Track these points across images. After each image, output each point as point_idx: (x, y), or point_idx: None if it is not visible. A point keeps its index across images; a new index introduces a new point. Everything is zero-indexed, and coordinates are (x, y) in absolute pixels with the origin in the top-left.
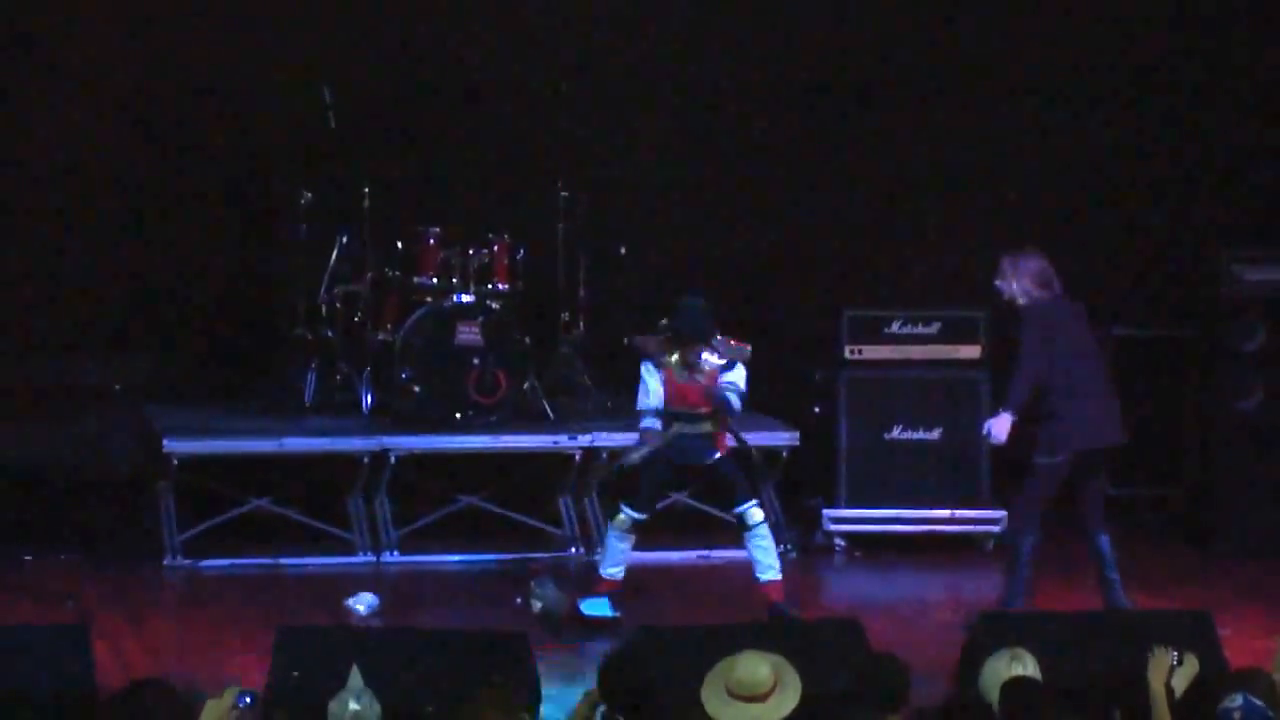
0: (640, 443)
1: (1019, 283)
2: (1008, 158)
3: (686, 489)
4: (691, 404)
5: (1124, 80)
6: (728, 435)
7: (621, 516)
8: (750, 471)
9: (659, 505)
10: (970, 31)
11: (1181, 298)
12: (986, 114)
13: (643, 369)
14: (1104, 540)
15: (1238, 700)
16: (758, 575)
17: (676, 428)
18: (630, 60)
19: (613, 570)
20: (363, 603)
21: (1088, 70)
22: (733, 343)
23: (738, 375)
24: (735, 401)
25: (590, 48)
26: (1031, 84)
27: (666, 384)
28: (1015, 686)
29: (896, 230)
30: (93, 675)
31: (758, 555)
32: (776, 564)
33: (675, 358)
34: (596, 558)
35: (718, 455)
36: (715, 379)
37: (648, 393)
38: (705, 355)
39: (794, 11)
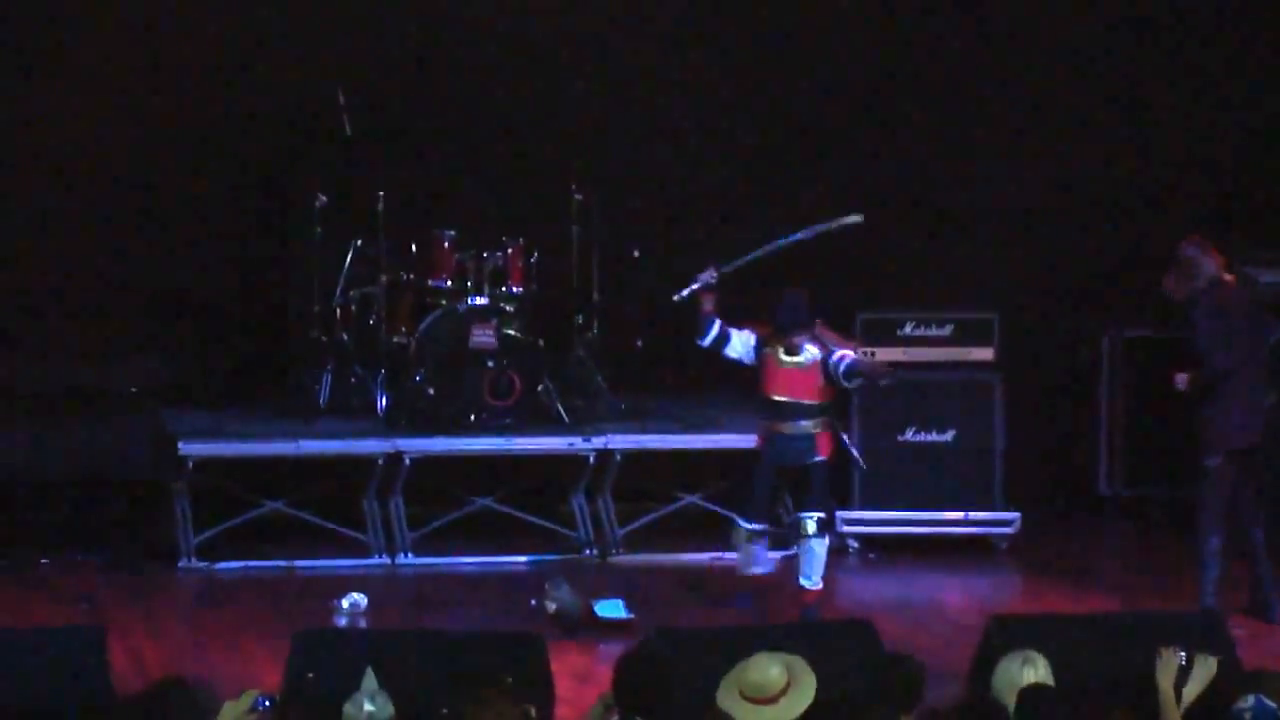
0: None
1: (1206, 266)
2: (1016, 159)
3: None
4: (798, 394)
5: (1130, 81)
6: (830, 436)
7: (740, 530)
8: (831, 479)
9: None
10: (977, 35)
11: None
12: (994, 115)
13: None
14: (1257, 534)
15: (1249, 701)
16: (799, 579)
17: (777, 426)
18: (644, 63)
19: (758, 569)
20: (347, 601)
21: (1094, 72)
22: (836, 337)
23: (848, 351)
24: (848, 363)
25: (604, 50)
26: (1038, 86)
27: (769, 371)
28: (1031, 694)
29: (909, 232)
30: (109, 677)
31: (802, 563)
32: (816, 575)
33: (779, 346)
34: (610, 558)
35: (819, 458)
36: (817, 369)
37: (739, 338)
38: (807, 345)
39: (809, 14)
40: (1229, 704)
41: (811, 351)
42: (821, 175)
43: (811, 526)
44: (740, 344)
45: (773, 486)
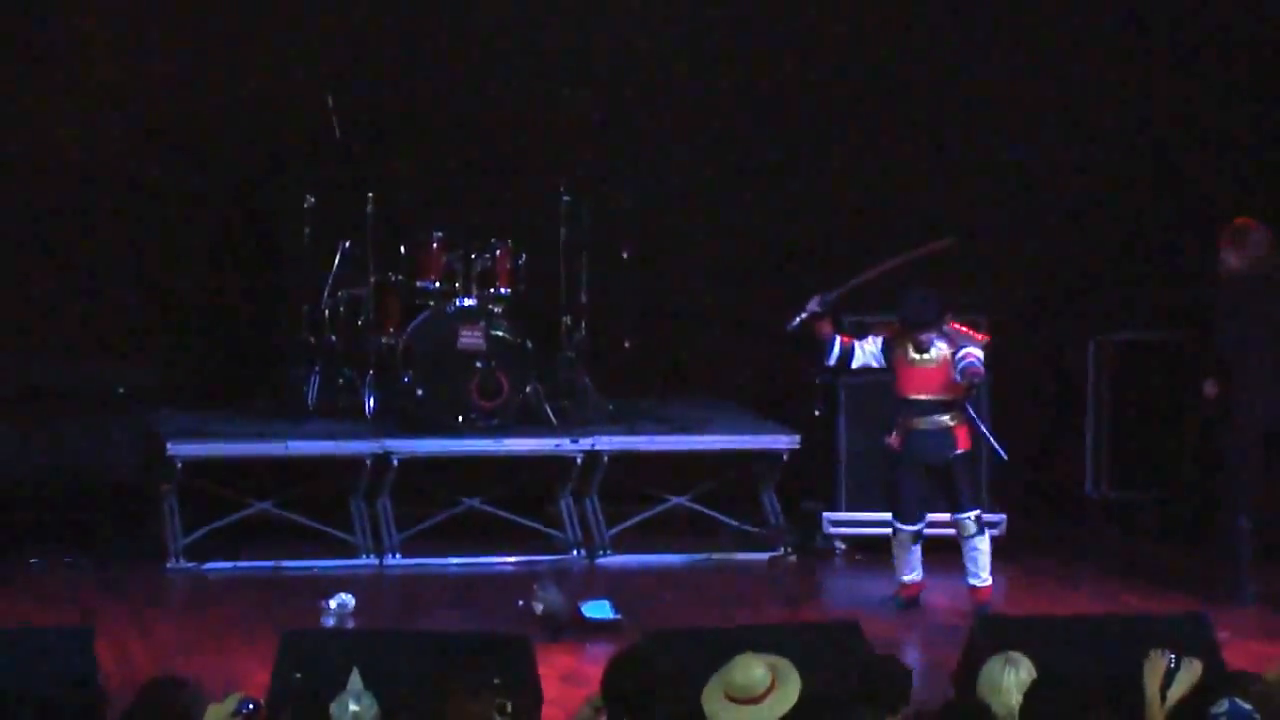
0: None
1: (1240, 251)
2: (1005, 161)
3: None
4: (930, 391)
5: (1124, 79)
6: (968, 428)
7: (898, 534)
8: (977, 471)
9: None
10: (968, 33)
11: (1184, 300)
12: (987, 114)
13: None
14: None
15: (1224, 705)
16: (967, 580)
17: (913, 423)
18: (633, 65)
19: (909, 576)
20: (334, 601)
21: (1088, 70)
22: (965, 330)
23: (973, 349)
24: (964, 365)
25: (593, 53)
26: (1032, 85)
27: (901, 370)
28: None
29: (898, 233)
30: (97, 678)
31: (968, 563)
32: (984, 572)
33: (908, 345)
34: (598, 559)
35: (959, 452)
36: (948, 365)
37: (863, 349)
38: (936, 341)
39: (796, 17)
40: (1208, 706)
41: (941, 348)
42: (811, 176)
43: (971, 526)
44: (864, 354)
45: (918, 485)
